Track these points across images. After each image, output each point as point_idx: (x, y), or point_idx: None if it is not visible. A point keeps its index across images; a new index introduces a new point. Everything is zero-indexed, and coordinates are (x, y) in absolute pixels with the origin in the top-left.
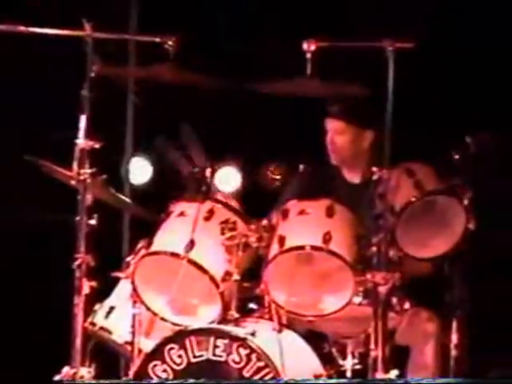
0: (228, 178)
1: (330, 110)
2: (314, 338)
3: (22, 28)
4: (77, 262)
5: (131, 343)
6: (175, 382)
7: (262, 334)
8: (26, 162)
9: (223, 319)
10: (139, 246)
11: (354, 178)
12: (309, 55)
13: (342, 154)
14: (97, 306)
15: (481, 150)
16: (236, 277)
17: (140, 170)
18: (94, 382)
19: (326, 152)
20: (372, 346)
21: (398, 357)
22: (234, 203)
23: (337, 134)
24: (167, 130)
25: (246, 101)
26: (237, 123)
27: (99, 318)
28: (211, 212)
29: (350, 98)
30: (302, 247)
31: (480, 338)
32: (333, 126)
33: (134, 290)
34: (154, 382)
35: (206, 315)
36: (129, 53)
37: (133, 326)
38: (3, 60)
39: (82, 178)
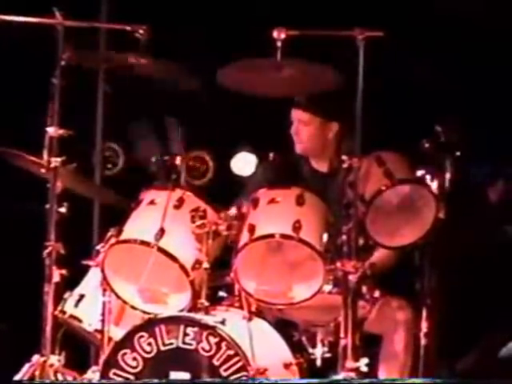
0: None
1: (296, 100)
2: (284, 327)
3: None
4: (47, 250)
5: (101, 331)
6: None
7: (232, 322)
8: None
9: (193, 307)
10: (109, 234)
11: (321, 167)
12: (279, 43)
13: (306, 144)
14: (67, 294)
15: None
16: (206, 265)
17: (112, 158)
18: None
19: (292, 142)
20: (342, 334)
21: (368, 345)
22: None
23: (302, 124)
24: (137, 117)
25: (216, 90)
26: (207, 112)
27: (69, 306)
28: (181, 200)
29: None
30: (271, 235)
31: (449, 326)
32: (298, 116)
33: (104, 278)
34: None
35: (176, 303)
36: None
37: (103, 315)
38: None
39: (52, 166)
